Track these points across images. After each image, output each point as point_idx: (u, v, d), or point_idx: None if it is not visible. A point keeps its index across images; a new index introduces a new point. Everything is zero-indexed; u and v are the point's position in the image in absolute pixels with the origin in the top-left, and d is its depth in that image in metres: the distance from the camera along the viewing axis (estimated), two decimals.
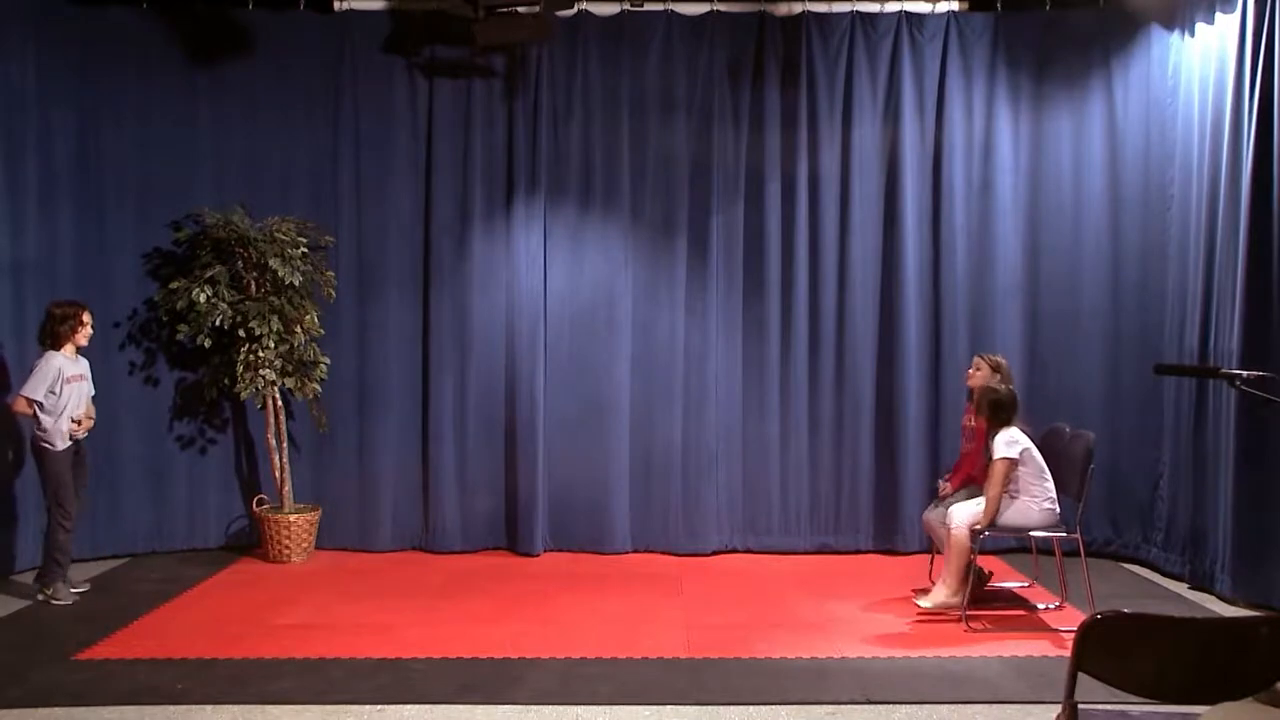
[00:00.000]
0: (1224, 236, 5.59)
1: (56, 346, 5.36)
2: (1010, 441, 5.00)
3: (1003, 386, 5.23)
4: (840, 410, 6.53)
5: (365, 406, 6.52)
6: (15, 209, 5.87)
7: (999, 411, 5.06)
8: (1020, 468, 5.02)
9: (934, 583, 5.30)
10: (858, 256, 6.48)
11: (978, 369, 5.50)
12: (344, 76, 6.46)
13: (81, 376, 5.48)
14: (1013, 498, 5.05)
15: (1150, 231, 6.27)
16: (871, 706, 4.05)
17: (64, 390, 5.32)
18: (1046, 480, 5.06)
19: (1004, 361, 5.51)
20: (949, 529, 5.05)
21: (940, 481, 5.69)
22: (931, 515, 5.45)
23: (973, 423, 5.50)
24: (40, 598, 5.39)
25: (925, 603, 5.13)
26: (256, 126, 6.44)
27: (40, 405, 5.25)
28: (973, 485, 5.39)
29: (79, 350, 5.48)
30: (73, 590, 5.44)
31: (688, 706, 4.05)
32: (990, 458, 5.05)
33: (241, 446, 6.59)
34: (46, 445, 5.31)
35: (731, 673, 4.40)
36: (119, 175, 6.30)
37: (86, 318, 5.44)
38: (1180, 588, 5.81)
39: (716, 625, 5.09)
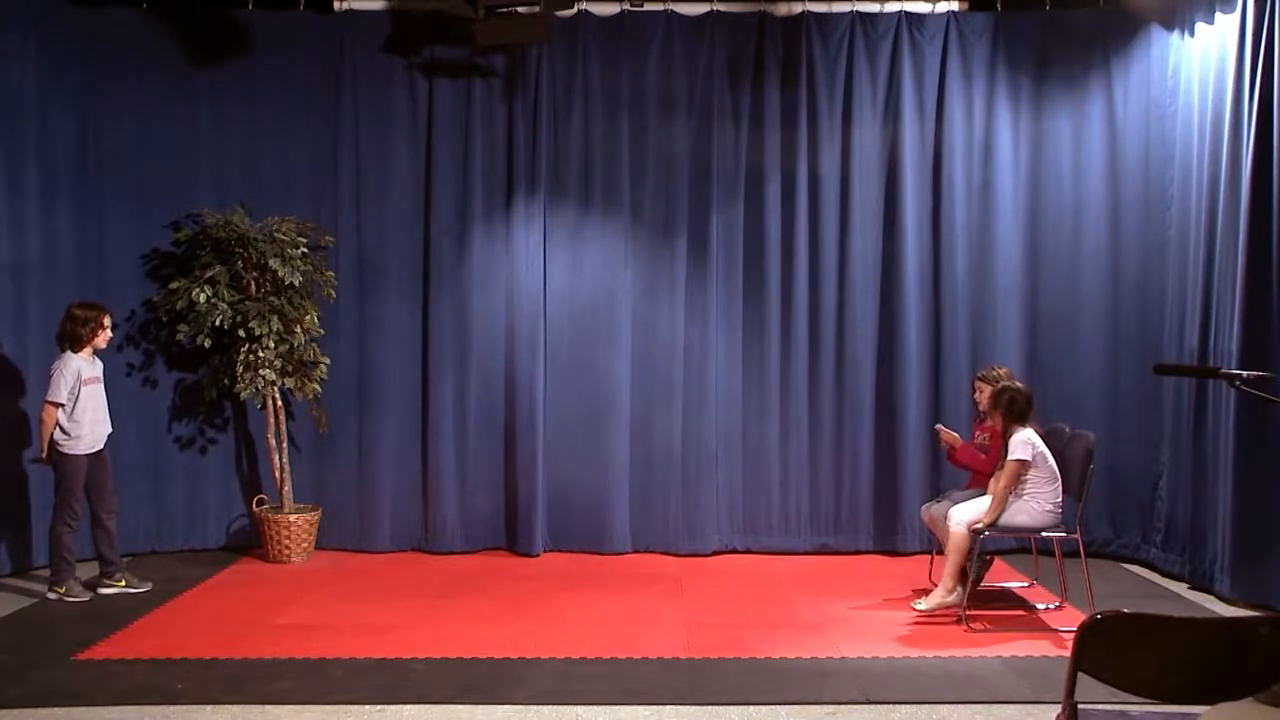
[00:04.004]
0: (1224, 236, 5.59)
1: (76, 349, 5.38)
2: (1025, 443, 4.98)
3: (1018, 384, 5.20)
4: (840, 410, 6.52)
5: (365, 406, 6.52)
6: (15, 209, 5.87)
7: (1013, 408, 5.02)
8: (1032, 470, 5.01)
9: (934, 584, 5.30)
10: (858, 256, 6.48)
11: (980, 391, 5.46)
12: (344, 76, 6.46)
13: (97, 379, 5.51)
14: (1018, 497, 5.04)
15: (1150, 231, 6.27)
16: (871, 706, 4.05)
17: (82, 392, 5.35)
18: (1056, 484, 5.04)
19: (1004, 373, 5.47)
20: (949, 527, 5.05)
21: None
22: (934, 510, 5.44)
23: (984, 439, 5.46)
24: (53, 596, 5.40)
25: (923, 605, 5.12)
26: (256, 126, 6.44)
27: (61, 407, 5.29)
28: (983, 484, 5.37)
29: (96, 353, 5.52)
30: (102, 590, 5.52)
31: (688, 706, 4.05)
32: (1005, 456, 5.04)
33: (241, 446, 6.59)
34: (64, 449, 5.34)
35: (731, 673, 4.40)
36: (119, 175, 6.30)
37: (108, 321, 5.49)
38: (1180, 588, 5.81)
39: (716, 625, 5.09)
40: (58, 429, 5.32)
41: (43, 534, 5.77)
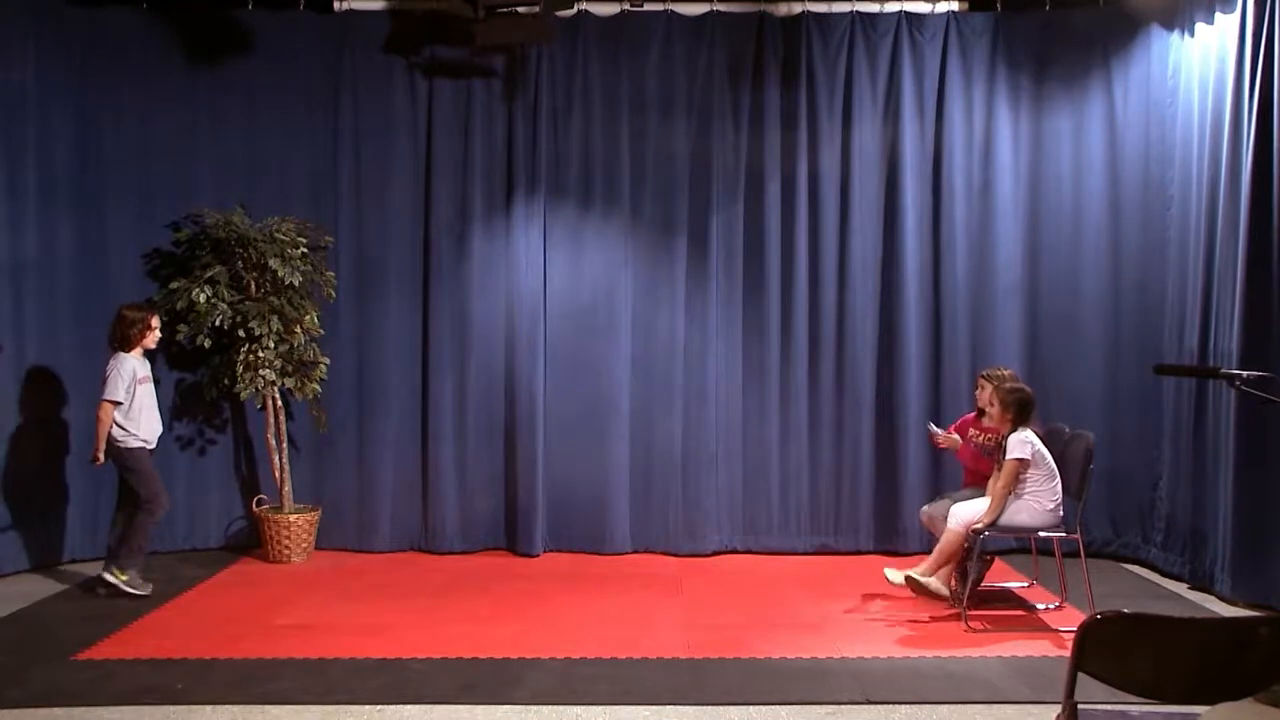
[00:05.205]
0: (1224, 236, 5.59)
1: (127, 349, 5.45)
2: (1023, 442, 4.99)
3: (1024, 385, 5.20)
4: (840, 410, 6.52)
5: (365, 406, 6.52)
6: (15, 209, 5.87)
7: (1024, 409, 5.04)
8: (1031, 469, 5.02)
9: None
10: (858, 256, 6.48)
11: (982, 389, 5.45)
12: (344, 76, 6.45)
13: (149, 378, 5.59)
14: (1018, 497, 5.04)
15: (1150, 231, 6.28)
16: (871, 706, 4.05)
17: (138, 391, 5.42)
18: (1055, 482, 5.05)
19: (1008, 373, 5.47)
20: (949, 526, 5.05)
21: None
22: (933, 510, 5.45)
23: (984, 439, 5.45)
24: (109, 578, 5.40)
25: (895, 576, 5.17)
26: (256, 126, 6.44)
27: (119, 406, 5.35)
28: (981, 485, 5.37)
29: (146, 353, 5.60)
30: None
31: (688, 706, 4.05)
32: (1004, 456, 5.04)
33: (241, 447, 6.59)
34: (127, 446, 5.39)
35: (731, 673, 4.40)
36: (119, 175, 6.30)
37: (155, 322, 5.56)
38: (1180, 588, 5.81)
39: (716, 625, 5.09)
40: (116, 426, 5.37)
41: (51, 533, 5.81)
